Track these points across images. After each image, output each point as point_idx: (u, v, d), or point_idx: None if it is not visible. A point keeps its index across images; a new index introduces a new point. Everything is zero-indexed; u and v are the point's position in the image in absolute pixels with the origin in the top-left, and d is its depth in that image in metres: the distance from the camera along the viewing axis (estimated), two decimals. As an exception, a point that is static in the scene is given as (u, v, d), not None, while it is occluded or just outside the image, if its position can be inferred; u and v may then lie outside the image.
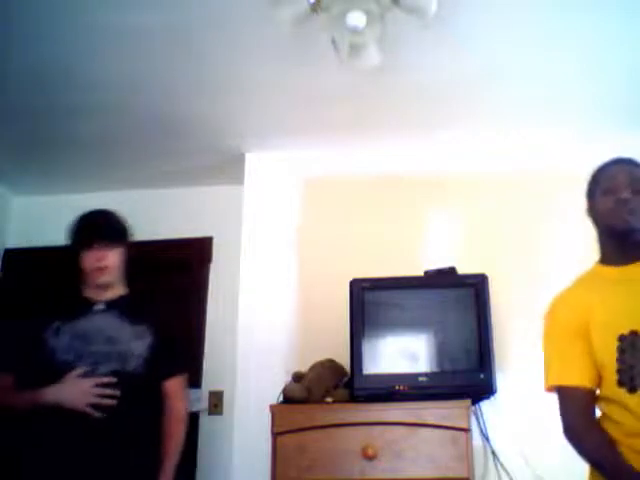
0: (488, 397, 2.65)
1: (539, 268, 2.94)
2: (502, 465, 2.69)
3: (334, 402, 2.56)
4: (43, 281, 3.48)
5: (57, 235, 3.50)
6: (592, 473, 1.79)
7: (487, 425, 2.74)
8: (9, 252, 3.65)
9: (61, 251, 3.44)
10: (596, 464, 1.76)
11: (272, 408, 2.55)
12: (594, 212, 1.91)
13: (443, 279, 2.79)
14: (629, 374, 1.71)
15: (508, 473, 2.68)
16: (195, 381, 3.08)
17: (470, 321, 2.63)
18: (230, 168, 3.33)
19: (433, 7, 2.00)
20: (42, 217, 3.65)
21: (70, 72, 2.63)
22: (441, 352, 2.64)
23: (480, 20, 2.34)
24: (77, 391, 2.20)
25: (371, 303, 2.67)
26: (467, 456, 2.38)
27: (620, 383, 1.73)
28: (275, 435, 2.49)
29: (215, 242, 3.51)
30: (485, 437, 2.74)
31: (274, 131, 3.13)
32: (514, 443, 2.70)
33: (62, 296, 2.47)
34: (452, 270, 2.79)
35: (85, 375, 2.23)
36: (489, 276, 2.69)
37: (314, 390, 2.57)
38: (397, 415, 2.46)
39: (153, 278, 3.09)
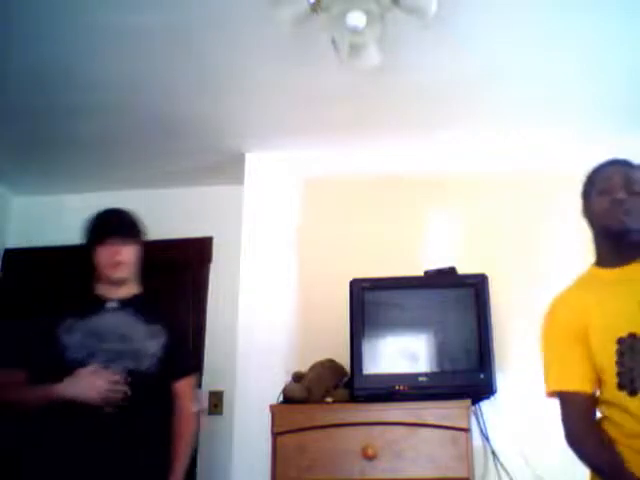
0: (488, 397, 2.66)
1: (539, 268, 2.94)
2: (502, 465, 2.69)
3: (334, 402, 2.56)
4: (43, 281, 3.49)
5: (57, 235, 3.53)
6: (593, 474, 1.79)
7: (487, 425, 2.74)
8: (9, 252, 3.65)
9: (64, 250, 3.47)
10: (596, 469, 1.76)
11: (272, 408, 2.55)
12: (589, 213, 1.90)
13: (443, 279, 2.79)
14: (629, 377, 1.71)
15: (508, 473, 2.68)
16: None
17: (470, 321, 2.63)
18: (230, 168, 3.33)
19: (433, 7, 2.00)
20: (42, 217, 3.65)
21: (70, 72, 2.63)
22: (441, 352, 2.64)
23: (480, 20, 2.34)
24: (91, 385, 2.18)
25: (371, 303, 2.67)
26: (467, 456, 2.38)
27: (620, 386, 1.72)
28: (275, 435, 2.49)
29: (215, 242, 3.51)
30: (485, 437, 2.74)
31: (274, 131, 3.13)
32: (514, 443, 2.70)
33: (74, 293, 2.46)
34: (452, 270, 2.80)
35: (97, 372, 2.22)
36: (489, 276, 2.69)
37: (314, 390, 2.57)
38: (397, 415, 2.46)
39: (153, 278, 3.08)
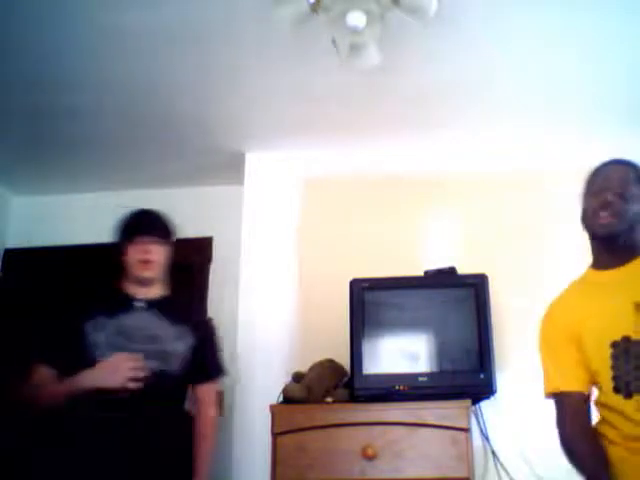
0: (488, 397, 2.65)
1: (539, 268, 2.94)
2: (502, 465, 2.69)
3: (334, 402, 2.56)
4: (43, 281, 3.49)
5: (57, 235, 3.54)
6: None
7: (487, 425, 2.74)
8: (9, 252, 3.65)
9: (64, 250, 3.48)
10: (582, 473, 1.77)
11: (272, 408, 2.55)
12: (581, 213, 1.88)
13: (443, 279, 2.79)
14: (624, 380, 1.71)
15: (508, 473, 2.68)
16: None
17: (470, 321, 2.63)
18: (230, 168, 3.33)
19: (433, 7, 2.00)
20: (42, 217, 3.65)
21: (70, 72, 2.63)
22: (441, 352, 2.64)
23: (480, 20, 2.34)
24: (112, 369, 2.16)
25: (371, 303, 2.67)
26: (467, 456, 2.38)
27: (616, 390, 1.73)
28: (275, 435, 2.49)
29: (215, 242, 3.51)
30: (485, 437, 2.74)
31: (274, 131, 3.13)
32: (514, 443, 2.70)
33: (102, 291, 2.44)
34: (452, 270, 2.79)
35: None
36: (489, 276, 2.69)
37: (314, 390, 2.57)
38: (397, 415, 2.46)
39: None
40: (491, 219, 3.07)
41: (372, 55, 2.15)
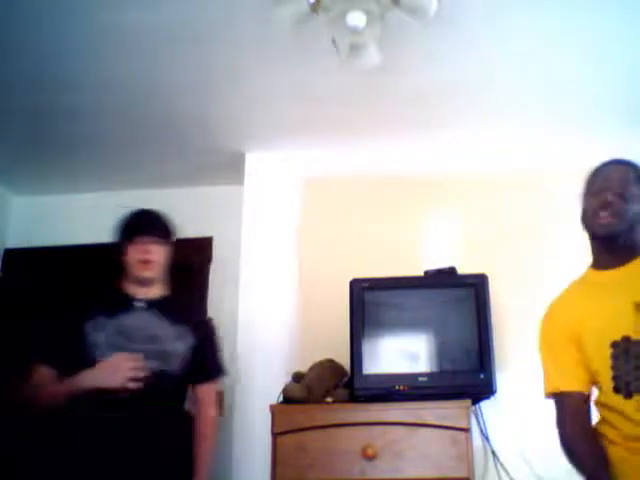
0: (488, 397, 2.65)
1: (539, 268, 2.94)
2: (502, 465, 2.69)
3: (334, 402, 2.56)
4: (43, 281, 3.49)
5: (57, 235, 3.54)
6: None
7: (487, 425, 2.74)
8: (9, 252, 3.65)
9: (64, 250, 3.48)
10: (582, 473, 1.77)
11: (272, 408, 2.55)
12: (581, 213, 1.88)
13: (443, 279, 2.79)
14: (624, 380, 1.71)
15: (508, 473, 2.68)
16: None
17: (470, 321, 2.63)
18: (230, 168, 3.33)
19: (433, 7, 2.00)
20: (42, 217, 3.65)
21: (70, 72, 2.63)
22: (441, 352, 2.64)
23: (480, 20, 2.34)
24: (112, 369, 2.16)
25: (371, 303, 2.67)
26: (467, 456, 2.38)
27: (616, 390, 1.73)
28: (275, 435, 2.49)
29: (215, 242, 3.51)
30: (485, 437, 2.74)
31: (274, 131, 3.13)
32: (514, 443, 2.70)
33: (102, 291, 2.44)
34: (452, 270, 2.79)
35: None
36: (489, 276, 2.69)
37: (314, 390, 2.57)
38: (397, 415, 2.46)
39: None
40: (491, 219, 3.07)
41: (372, 55, 2.15)
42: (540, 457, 2.63)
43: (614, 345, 1.73)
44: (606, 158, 1.92)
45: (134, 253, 2.35)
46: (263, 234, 3.21)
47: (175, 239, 2.47)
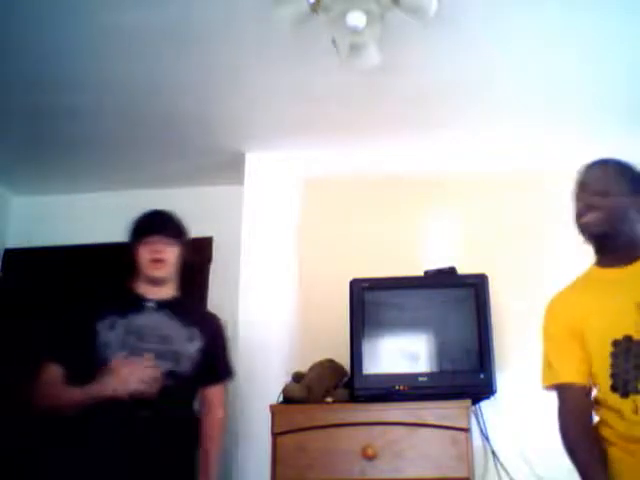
0: (488, 397, 2.65)
1: (539, 268, 2.94)
2: (502, 465, 2.69)
3: (334, 402, 2.56)
4: (43, 281, 3.50)
5: (57, 235, 3.54)
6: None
7: (487, 425, 2.74)
8: (9, 252, 3.65)
9: (64, 250, 3.48)
10: (574, 462, 1.77)
11: (272, 408, 2.55)
12: (574, 217, 1.88)
13: (443, 279, 2.79)
14: (622, 378, 1.71)
15: (508, 473, 2.68)
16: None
17: (470, 321, 2.63)
18: (230, 168, 3.33)
19: (433, 7, 2.00)
20: (42, 217, 3.65)
21: (70, 72, 2.63)
22: (441, 352, 2.64)
23: (480, 20, 2.34)
24: (129, 375, 2.15)
25: (371, 303, 2.67)
26: (467, 456, 2.37)
27: (613, 388, 1.73)
28: (275, 435, 2.48)
29: (215, 242, 3.51)
30: (485, 437, 2.74)
31: (274, 131, 3.13)
32: (514, 443, 2.71)
33: (113, 291, 2.44)
34: (452, 270, 2.79)
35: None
36: (489, 276, 2.69)
37: (314, 390, 2.57)
38: (397, 415, 2.46)
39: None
40: (491, 219, 3.07)
41: (372, 55, 2.16)
42: (540, 457, 2.63)
43: (615, 344, 1.73)
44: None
45: (145, 253, 2.36)
46: (263, 234, 3.21)
47: (187, 239, 2.47)
